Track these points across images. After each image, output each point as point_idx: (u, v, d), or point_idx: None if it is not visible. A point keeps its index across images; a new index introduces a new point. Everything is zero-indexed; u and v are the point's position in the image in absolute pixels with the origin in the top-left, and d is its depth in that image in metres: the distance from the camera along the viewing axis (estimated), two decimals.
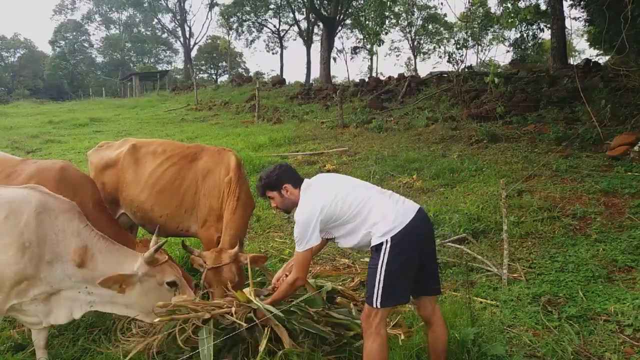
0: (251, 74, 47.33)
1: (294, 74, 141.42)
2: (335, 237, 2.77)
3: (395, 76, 21.56)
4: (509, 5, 8.22)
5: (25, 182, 3.20)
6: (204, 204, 3.82)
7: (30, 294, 2.72)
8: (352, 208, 2.64)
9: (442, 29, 44.37)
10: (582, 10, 17.64)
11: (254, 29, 39.78)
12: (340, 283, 4.06)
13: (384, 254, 2.53)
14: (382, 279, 2.52)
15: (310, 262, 2.88)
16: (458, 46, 15.37)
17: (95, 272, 2.73)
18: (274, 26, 40.88)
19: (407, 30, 44.99)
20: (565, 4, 16.96)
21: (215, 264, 3.21)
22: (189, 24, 47.24)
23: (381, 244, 2.55)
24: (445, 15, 45.04)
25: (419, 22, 43.91)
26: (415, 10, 39.53)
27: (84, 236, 2.77)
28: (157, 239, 3.05)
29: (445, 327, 2.80)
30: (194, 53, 51.29)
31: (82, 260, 2.72)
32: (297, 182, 2.84)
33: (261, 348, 2.84)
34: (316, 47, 36.23)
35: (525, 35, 22.38)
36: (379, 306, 2.52)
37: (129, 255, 2.84)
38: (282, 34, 41.17)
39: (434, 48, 45.46)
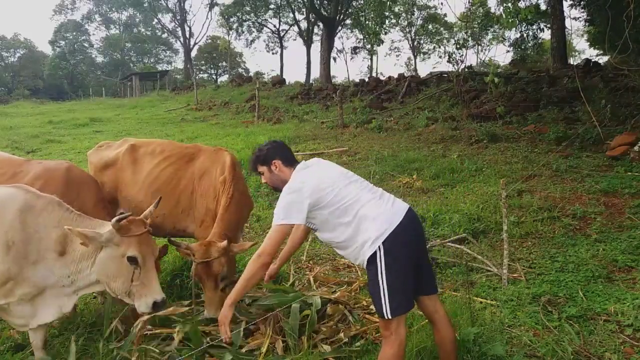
0: (251, 74, 47.42)
1: (294, 74, 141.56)
2: (316, 225, 2.68)
3: (395, 76, 21.55)
4: (509, 5, 8.21)
5: (32, 183, 3.21)
6: (201, 205, 3.82)
7: (17, 293, 2.72)
8: (344, 201, 2.57)
9: (442, 29, 44.43)
10: (582, 10, 17.64)
11: (254, 29, 39.88)
12: (338, 289, 4.07)
13: (380, 263, 2.47)
14: (385, 289, 2.46)
15: (281, 243, 2.63)
16: (458, 46, 15.36)
17: (75, 254, 2.71)
18: (274, 26, 41.00)
19: (407, 30, 45.03)
20: (565, 4, 16.97)
21: (204, 258, 3.14)
22: (189, 24, 47.35)
23: (374, 253, 2.49)
24: (445, 15, 45.12)
25: (419, 22, 43.94)
26: (415, 10, 39.56)
27: (64, 223, 2.73)
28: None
29: (450, 325, 2.76)
30: (194, 53, 51.41)
31: (62, 248, 2.70)
32: (289, 161, 2.79)
33: (263, 349, 2.84)
34: (316, 47, 36.31)
35: (525, 35, 22.36)
36: (390, 316, 2.47)
37: (103, 225, 2.76)
38: (282, 34, 41.28)
39: (434, 48, 45.64)
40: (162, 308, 2.76)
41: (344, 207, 2.57)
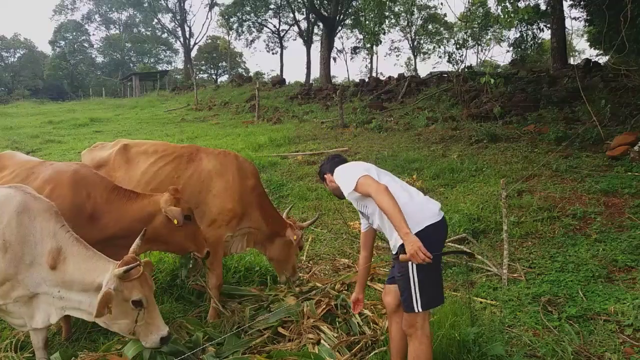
0: (251, 74, 47.31)
1: (294, 74, 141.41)
2: (369, 214, 2.79)
3: (395, 76, 21.57)
4: (507, 4, 8.21)
5: (42, 186, 3.21)
6: (214, 204, 3.84)
7: (13, 295, 2.71)
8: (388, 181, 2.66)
9: (442, 29, 44.38)
10: (582, 10, 17.61)
11: (254, 29, 39.80)
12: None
13: None
14: (416, 284, 2.51)
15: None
16: (458, 46, 15.36)
17: (66, 276, 2.67)
18: (274, 26, 40.94)
19: (407, 30, 45.00)
20: (565, 4, 16.96)
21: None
22: (189, 24, 47.34)
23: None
24: (445, 15, 45.10)
25: (419, 22, 43.91)
26: (415, 10, 39.50)
27: (59, 238, 2.71)
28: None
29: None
30: (194, 53, 51.36)
31: (54, 263, 2.67)
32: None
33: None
34: (316, 47, 36.33)
35: (525, 35, 22.33)
36: (420, 310, 2.52)
37: (100, 263, 2.70)
38: (282, 34, 41.21)
39: (434, 48, 45.48)
40: (168, 342, 2.78)
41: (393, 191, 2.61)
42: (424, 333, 2.55)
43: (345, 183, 2.71)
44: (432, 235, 2.53)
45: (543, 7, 17.57)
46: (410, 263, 2.49)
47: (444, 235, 2.69)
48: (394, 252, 2.68)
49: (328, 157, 3.16)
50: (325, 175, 3.07)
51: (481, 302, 3.96)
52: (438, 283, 2.63)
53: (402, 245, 2.55)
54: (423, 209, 2.60)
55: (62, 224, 2.78)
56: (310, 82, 31.75)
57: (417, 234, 2.44)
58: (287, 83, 27.86)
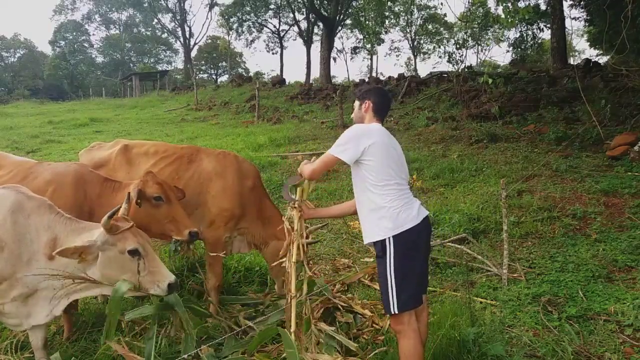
0: (251, 74, 47.32)
1: (294, 74, 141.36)
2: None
3: (395, 76, 21.58)
4: (508, 4, 8.22)
5: (43, 186, 3.23)
6: (213, 205, 3.83)
7: (11, 295, 2.71)
8: (385, 172, 2.61)
9: (442, 29, 44.41)
10: (582, 10, 17.63)
11: (254, 29, 39.82)
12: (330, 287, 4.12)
13: (390, 258, 2.54)
14: (394, 285, 2.54)
15: (324, 171, 2.82)
16: (458, 46, 15.37)
17: (64, 259, 2.68)
18: (274, 26, 40.95)
19: (407, 30, 45.01)
20: (565, 4, 16.98)
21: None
22: (189, 24, 47.39)
23: (384, 246, 2.55)
24: (445, 15, 45.13)
25: (419, 22, 43.94)
26: (415, 10, 39.57)
27: (53, 227, 2.74)
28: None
29: (427, 328, 2.85)
30: (194, 53, 51.39)
31: (51, 253, 2.68)
32: (380, 112, 2.83)
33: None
34: (316, 47, 36.31)
35: (525, 35, 22.35)
36: (396, 312, 2.54)
37: (94, 229, 2.74)
38: (282, 34, 41.23)
39: (434, 48, 45.54)
40: (176, 289, 2.79)
41: (386, 178, 2.62)
42: (411, 328, 2.58)
43: (339, 140, 2.67)
44: (409, 238, 2.56)
45: (543, 7, 17.59)
46: (388, 263, 2.54)
47: (425, 237, 2.68)
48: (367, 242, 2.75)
49: (371, 87, 2.97)
50: (356, 101, 2.92)
51: (481, 302, 3.96)
52: (417, 286, 2.63)
53: (381, 251, 2.59)
54: (401, 212, 2.59)
55: (56, 212, 2.80)
56: (310, 82, 31.73)
57: (395, 237, 2.53)
58: (287, 83, 27.87)
